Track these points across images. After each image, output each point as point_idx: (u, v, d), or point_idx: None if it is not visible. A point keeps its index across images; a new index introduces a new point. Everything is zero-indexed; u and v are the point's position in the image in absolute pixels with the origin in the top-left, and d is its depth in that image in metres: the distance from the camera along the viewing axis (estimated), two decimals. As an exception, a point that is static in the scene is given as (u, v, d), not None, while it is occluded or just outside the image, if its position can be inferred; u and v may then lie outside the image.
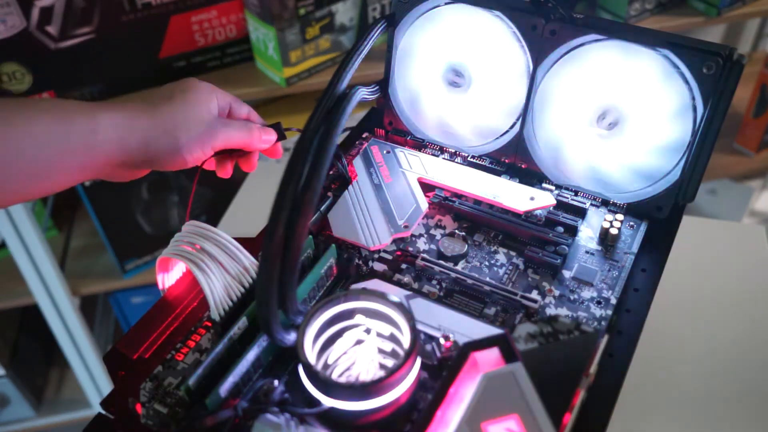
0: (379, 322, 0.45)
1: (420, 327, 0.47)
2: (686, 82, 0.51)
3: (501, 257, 0.54)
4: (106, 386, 1.35)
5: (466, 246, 0.54)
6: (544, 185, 0.59)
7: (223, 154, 0.57)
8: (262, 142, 0.57)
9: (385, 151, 0.63)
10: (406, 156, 0.62)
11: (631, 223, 0.56)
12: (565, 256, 0.52)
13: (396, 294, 0.49)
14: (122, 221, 1.21)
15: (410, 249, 0.54)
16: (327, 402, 0.41)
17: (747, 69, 0.55)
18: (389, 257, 0.54)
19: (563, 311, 0.49)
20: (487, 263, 0.53)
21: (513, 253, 0.54)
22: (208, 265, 0.46)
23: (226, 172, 0.59)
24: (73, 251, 1.31)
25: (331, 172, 0.60)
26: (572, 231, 0.55)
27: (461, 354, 0.42)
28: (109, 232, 1.20)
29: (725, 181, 1.56)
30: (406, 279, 0.52)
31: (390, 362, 0.46)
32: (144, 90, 1.12)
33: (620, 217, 0.55)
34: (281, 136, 0.59)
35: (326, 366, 0.45)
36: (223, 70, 1.17)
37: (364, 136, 0.66)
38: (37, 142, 0.44)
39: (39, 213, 1.26)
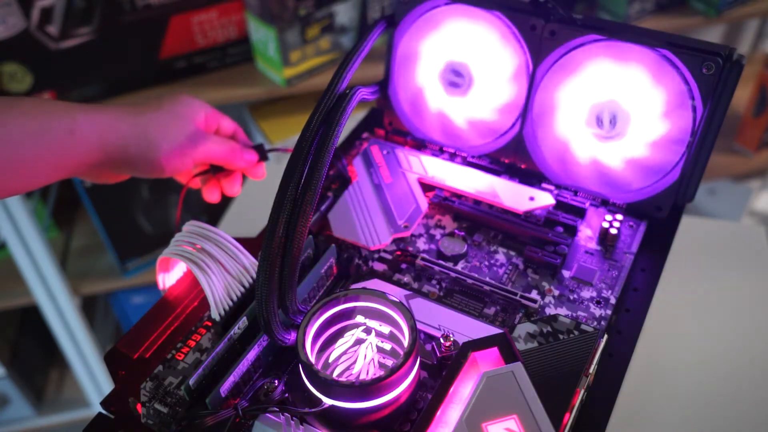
0: (379, 321, 0.45)
1: (420, 327, 0.47)
2: (686, 82, 0.51)
3: (500, 257, 0.54)
4: (107, 386, 1.35)
5: (466, 246, 0.54)
6: (543, 185, 0.59)
7: (207, 174, 0.57)
8: (243, 160, 0.57)
9: (385, 151, 0.63)
10: (406, 156, 0.62)
11: (631, 223, 0.56)
12: (565, 255, 0.53)
13: (396, 294, 0.49)
14: (123, 221, 1.21)
15: (410, 249, 0.54)
16: (327, 401, 0.41)
17: (747, 69, 0.55)
18: (389, 257, 0.54)
19: (563, 311, 0.49)
20: (486, 263, 0.53)
21: (513, 253, 0.54)
22: (208, 265, 0.46)
23: (212, 195, 0.59)
24: (73, 251, 1.31)
25: (331, 172, 0.61)
26: (572, 231, 0.55)
27: (461, 354, 0.42)
28: (110, 232, 1.20)
29: (725, 181, 1.56)
30: (406, 279, 0.53)
31: (390, 362, 0.46)
32: (143, 91, 1.13)
33: (620, 217, 0.55)
34: (263, 157, 0.59)
35: (326, 365, 0.45)
36: (224, 71, 1.17)
37: (364, 136, 0.66)
38: (12, 142, 0.44)
39: (39, 213, 1.26)
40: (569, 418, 0.41)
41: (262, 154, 0.59)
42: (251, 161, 0.58)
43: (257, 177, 0.61)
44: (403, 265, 0.53)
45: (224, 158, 0.56)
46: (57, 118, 0.46)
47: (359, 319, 0.45)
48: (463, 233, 0.55)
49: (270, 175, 0.61)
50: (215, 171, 0.57)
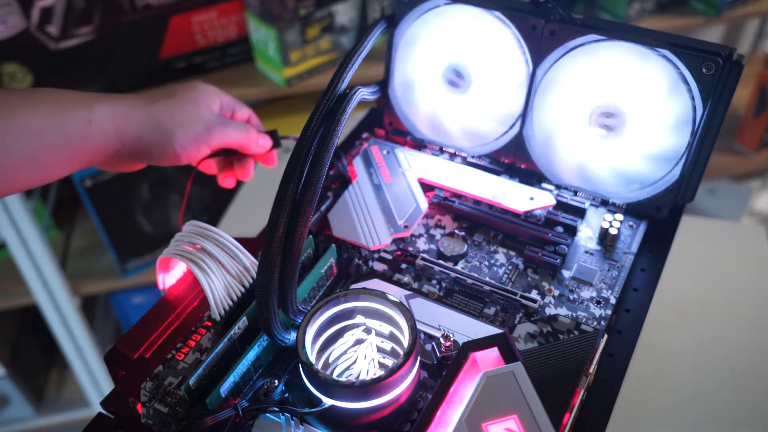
0: (379, 321, 0.45)
1: (420, 327, 0.47)
2: (686, 82, 0.51)
3: (500, 257, 0.54)
4: (107, 386, 1.35)
5: (466, 246, 0.54)
6: (543, 185, 0.59)
7: (220, 156, 0.58)
8: (259, 145, 0.57)
9: (385, 151, 0.63)
10: (406, 156, 0.62)
11: (631, 223, 0.56)
12: (565, 255, 0.53)
13: (396, 294, 0.49)
14: (123, 221, 1.21)
15: (410, 249, 0.54)
16: (327, 401, 0.41)
17: (747, 69, 0.55)
18: (389, 257, 0.54)
19: (563, 311, 0.49)
20: (486, 263, 0.53)
21: (512, 253, 0.54)
22: (208, 264, 0.46)
23: (227, 180, 0.60)
24: (73, 251, 1.31)
25: (331, 172, 0.61)
26: (572, 231, 0.55)
27: (461, 354, 0.42)
28: (110, 232, 1.20)
29: (725, 181, 1.56)
30: (406, 279, 0.53)
31: (390, 362, 0.46)
32: (144, 91, 1.13)
33: (620, 217, 0.55)
34: (276, 144, 0.59)
35: (326, 365, 0.45)
36: (224, 71, 1.17)
37: (364, 136, 0.66)
38: (31, 134, 0.44)
39: (40, 213, 1.26)
40: (569, 418, 0.41)
41: (276, 140, 0.59)
42: (266, 146, 0.58)
43: (270, 164, 0.61)
44: (403, 265, 0.53)
45: (241, 143, 0.56)
46: (75, 109, 0.47)
47: (359, 319, 0.45)
48: (463, 233, 0.55)
49: (270, 175, 0.62)
50: (227, 154, 0.58)
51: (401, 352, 0.43)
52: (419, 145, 0.64)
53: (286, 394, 0.44)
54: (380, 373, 0.40)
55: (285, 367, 0.47)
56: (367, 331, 0.45)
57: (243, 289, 0.47)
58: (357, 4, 1.12)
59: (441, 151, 0.63)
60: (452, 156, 0.63)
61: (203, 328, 0.47)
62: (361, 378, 0.44)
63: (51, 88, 0.48)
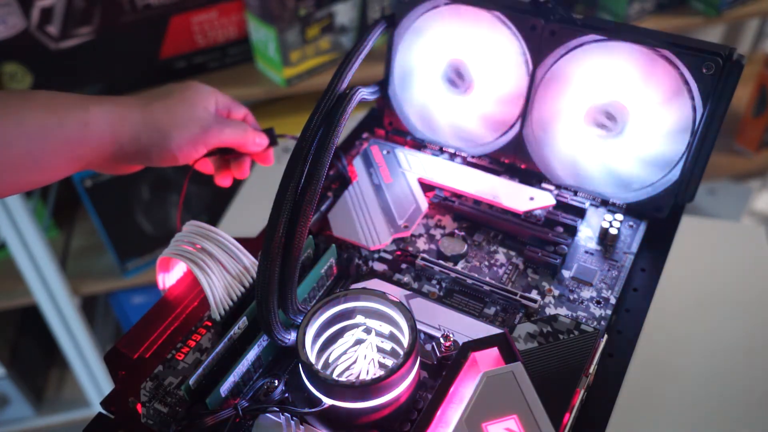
0: (379, 321, 0.45)
1: (420, 327, 0.47)
2: (686, 82, 0.51)
3: (500, 257, 0.54)
4: (107, 386, 1.35)
5: (466, 246, 0.54)
6: (543, 185, 0.59)
7: (216, 155, 0.58)
8: (255, 144, 0.57)
9: (385, 151, 0.63)
10: (406, 156, 0.62)
11: (631, 223, 0.56)
12: (565, 255, 0.53)
13: (396, 294, 0.49)
14: (123, 221, 1.22)
15: (410, 249, 0.54)
16: (327, 401, 0.41)
17: (747, 69, 0.55)
18: (389, 257, 0.54)
19: (563, 311, 0.49)
20: (486, 263, 0.53)
21: (513, 253, 0.54)
22: (208, 264, 0.46)
23: (224, 179, 0.60)
24: (73, 251, 1.31)
25: (331, 172, 0.61)
26: (572, 231, 0.55)
27: (461, 354, 0.42)
28: (110, 232, 1.20)
29: (725, 181, 1.56)
30: (406, 279, 0.53)
31: (390, 362, 0.46)
32: (144, 91, 1.13)
33: (620, 217, 0.55)
34: (273, 142, 0.60)
35: (326, 365, 0.45)
36: (224, 71, 1.17)
37: (364, 136, 0.66)
38: (30, 134, 0.45)
39: (40, 213, 1.26)
40: (569, 418, 0.41)
41: (272, 138, 0.60)
42: (262, 145, 0.59)
43: (266, 162, 0.61)
44: (403, 265, 0.53)
45: (237, 142, 0.56)
46: (72, 111, 0.47)
47: (359, 319, 0.45)
48: (463, 233, 0.55)
49: (270, 175, 0.62)
50: (223, 153, 0.58)
51: (401, 352, 0.43)
52: (419, 145, 0.64)
53: (286, 394, 0.44)
54: (380, 373, 0.40)
55: (285, 367, 0.47)
56: (367, 331, 0.45)
57: (243, 289, 0.47)
58: (357, 4, 1.12)
59: (441, 151, 0.63)
60: (452, 156, 0.63)
61: (203, 328, 0.47)
62: (361, 378, 0.44)
63: (47, 90, 0.48)
